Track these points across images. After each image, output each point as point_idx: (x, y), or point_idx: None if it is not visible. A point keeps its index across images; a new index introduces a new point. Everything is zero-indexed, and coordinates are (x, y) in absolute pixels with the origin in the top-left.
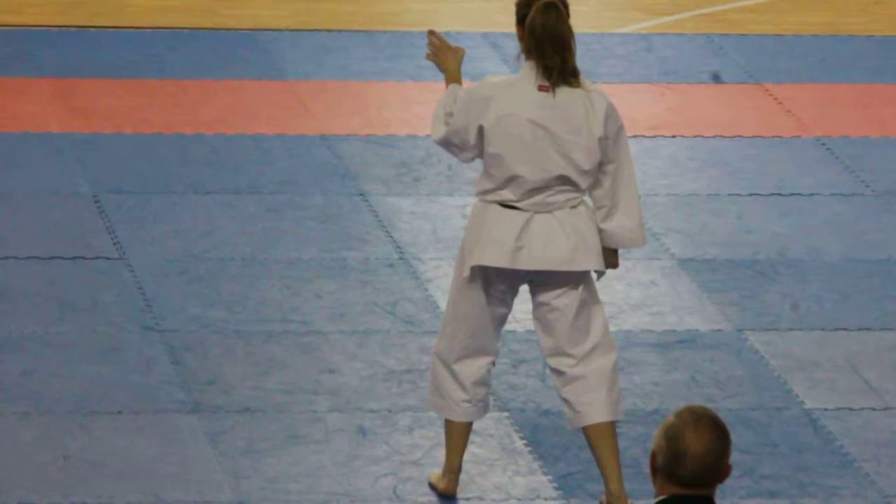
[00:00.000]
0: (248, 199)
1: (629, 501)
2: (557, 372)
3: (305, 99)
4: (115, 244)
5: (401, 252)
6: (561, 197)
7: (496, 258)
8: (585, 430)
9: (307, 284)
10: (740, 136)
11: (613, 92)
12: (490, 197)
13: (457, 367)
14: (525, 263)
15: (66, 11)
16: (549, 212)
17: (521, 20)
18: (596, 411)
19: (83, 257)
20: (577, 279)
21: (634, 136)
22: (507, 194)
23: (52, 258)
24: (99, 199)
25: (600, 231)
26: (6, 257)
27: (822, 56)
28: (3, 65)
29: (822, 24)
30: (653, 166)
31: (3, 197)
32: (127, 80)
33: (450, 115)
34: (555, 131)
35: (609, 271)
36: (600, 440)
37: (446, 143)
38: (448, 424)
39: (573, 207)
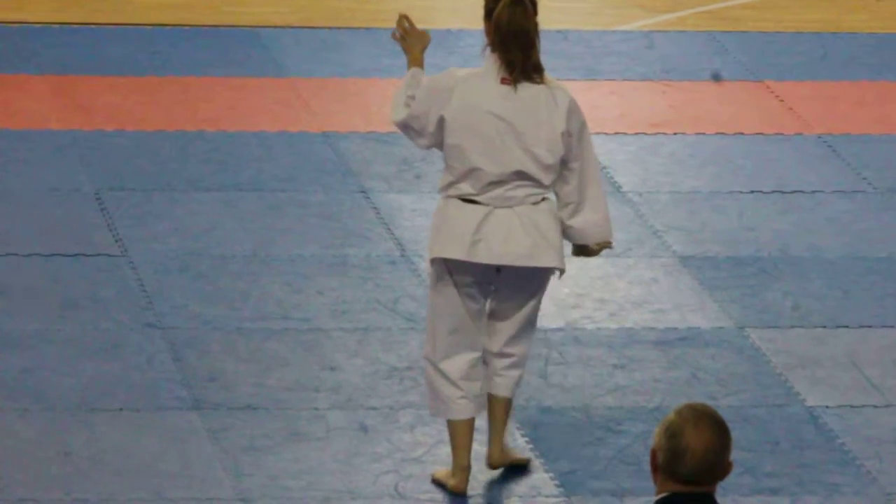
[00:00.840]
0: (249, 197)
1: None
2: (487, 365)
3: (307, 96)
4: (116, 241)
5: (402, 249)
6: (521, 192)
7: (455, 251)
8: (489, 398)
9: (308, 281)
10: (742, 134)
11: (615, 89)
12: (451, 192)
13: (443, 366)
14: (484, 257)
15: (66, 8)
16: (510, 206)
17: (488, 14)
18: (505, 386)
19: (84, 254)
20: (540, 282)
21: (636, 134)
22: (466, 187)
23: (53, 255)
24: (100, 196)
25: (568, 228)
26: (7, 254)
27: (823, 53)
28: (3, 62)
29: (824, 21)
30: (654, 164)
31: (4, 194)
32: (128, 77)
33: (412, 97)
34: (516, 125)
35: (611, 269)
36: (499, 410)
37: (405, 127)
38: (450, 424)
39: (534, 204)
